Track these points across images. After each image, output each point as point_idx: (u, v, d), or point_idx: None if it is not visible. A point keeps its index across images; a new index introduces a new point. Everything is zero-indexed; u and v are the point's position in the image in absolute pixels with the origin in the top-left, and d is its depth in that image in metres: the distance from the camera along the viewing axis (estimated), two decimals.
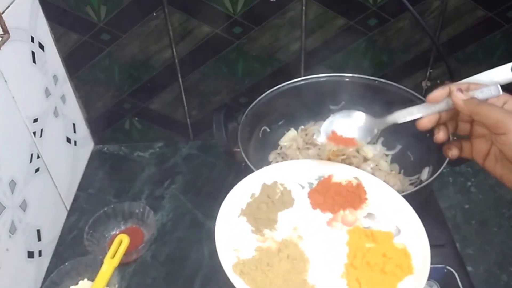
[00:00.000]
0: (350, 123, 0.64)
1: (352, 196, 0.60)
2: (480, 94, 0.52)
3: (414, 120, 0.61)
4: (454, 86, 0.54)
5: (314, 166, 0.64)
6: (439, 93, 0.55)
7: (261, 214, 0.58)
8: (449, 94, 0.54)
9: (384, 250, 0.54)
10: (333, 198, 0.60)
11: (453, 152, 0.57)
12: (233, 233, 0.56)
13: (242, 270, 0.52)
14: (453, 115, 0.56)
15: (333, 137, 0.64)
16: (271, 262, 0.53)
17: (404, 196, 0.67)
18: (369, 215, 0.59)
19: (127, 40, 0.90)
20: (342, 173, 0.63)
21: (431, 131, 0.72)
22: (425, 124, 0.56)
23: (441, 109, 0.56)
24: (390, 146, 0.87)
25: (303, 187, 0.63)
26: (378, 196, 0.61)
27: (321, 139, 0.88)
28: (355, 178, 0.62)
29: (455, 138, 0.60)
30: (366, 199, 0.60)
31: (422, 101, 0.60)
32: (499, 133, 0.49)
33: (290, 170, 0.64)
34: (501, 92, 0.51)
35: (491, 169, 0.54)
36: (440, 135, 0.57)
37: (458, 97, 0.52)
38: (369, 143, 0.87)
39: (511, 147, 0.49)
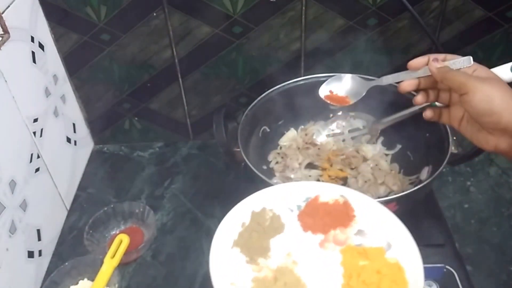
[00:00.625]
0: (344, 85, 0.74)
1: (341, 215, 0.61)
2: (453, 64, 0.59)
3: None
4: (432, 56, 0.60)
5: (300, 188, 0.64)
6: (418, 61, 0.62)
7: (254, 243, 0.58)
8: (428, 63, 0.61)
9: (378, 266, 0.54)
10: (323, 218, 0.60)
11: (427, 113, 0.64)
12: (228, 266, 0.56)
13: None
14: (431, 82, 0.62)
15: (330, 95, 0.74)
16: None
17: (404, 196, 0.67)
18: (359, 232, 0.59)
19: (127, 40, 0.90)
20: (328, 192, 0.63)
21: (430, 132, 0.72)
22: (405, 86, 0.64)
23: (419, 75, 0.62)
24: (390, 145, 0.87)
25: (292, 211, 0.62)
26: (365, 212, 0.61)
27: (320, 138, 0.90)
28: (341, 196, 0.62)
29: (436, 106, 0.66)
30: (354, 216, 0.61)
31: None
32: (463, 93, 0.55)
33: (277, 195, 0.63)
34: (472, 63, 0.58)
35: (464, 131, 0.60)
36: (418, 98, 0.64)
37: (433, 65, 0.59)
38: (368, 142, 0.88)
39: (473, 105, 0.54)
